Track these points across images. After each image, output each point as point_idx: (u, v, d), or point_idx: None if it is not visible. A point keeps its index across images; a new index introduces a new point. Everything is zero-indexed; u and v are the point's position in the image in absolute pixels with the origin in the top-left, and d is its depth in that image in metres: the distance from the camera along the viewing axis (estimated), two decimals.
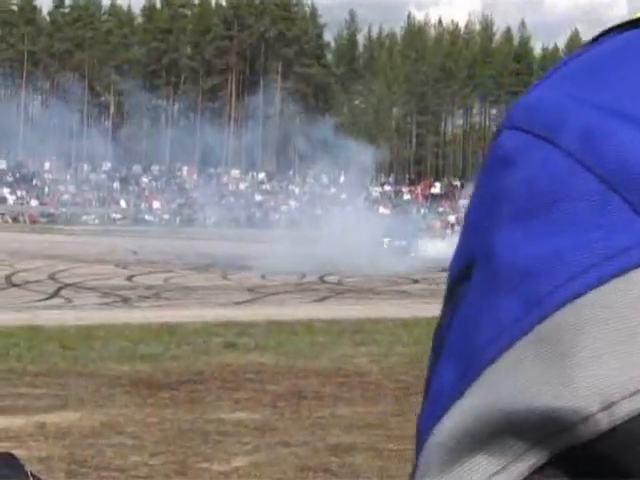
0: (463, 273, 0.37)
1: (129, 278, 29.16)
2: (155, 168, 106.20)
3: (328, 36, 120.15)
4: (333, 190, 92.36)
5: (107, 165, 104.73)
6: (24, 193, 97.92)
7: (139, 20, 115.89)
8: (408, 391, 11.05)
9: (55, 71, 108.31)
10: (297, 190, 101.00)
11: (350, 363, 13.28)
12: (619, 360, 0.31)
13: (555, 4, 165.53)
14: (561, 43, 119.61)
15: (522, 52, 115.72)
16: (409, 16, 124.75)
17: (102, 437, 8.84)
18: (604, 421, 0.31)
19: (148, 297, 23.57)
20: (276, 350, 14.14)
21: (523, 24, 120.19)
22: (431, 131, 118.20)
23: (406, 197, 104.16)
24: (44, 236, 56.82)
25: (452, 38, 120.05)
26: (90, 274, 29.60)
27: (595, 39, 0.39)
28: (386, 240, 43.29)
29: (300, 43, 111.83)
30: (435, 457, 0.35)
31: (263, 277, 30.15)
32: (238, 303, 22.34)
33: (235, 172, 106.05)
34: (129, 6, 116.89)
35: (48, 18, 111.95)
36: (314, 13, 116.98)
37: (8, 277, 27.73)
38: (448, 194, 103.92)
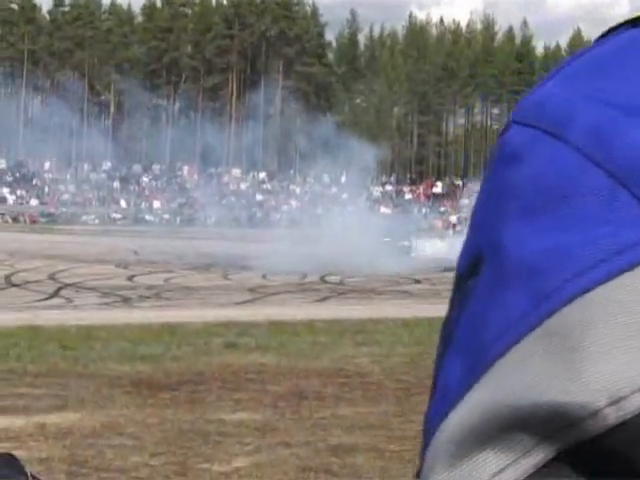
0: (470, 269, 0.37)
1: (129, 278, 29.14)
2: (156, 168, 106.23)
3: (329, 35, 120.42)
4: (334, 190, 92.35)
5: (107, 164, 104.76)
6: (24, 193, 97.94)
7: (139, 19, 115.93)
8: (409, 391, 11.03)
9: (55, 70, 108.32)
10: (298, 190, 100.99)
11: (351, 363, 13.25)
12: (628, 355, 0.31)
13: (557, 3, 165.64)
14: (563, 42, 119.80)
15: (524, 51, 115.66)
16: (410, 15, 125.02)
17: (102, 438, 8.81)
18: (612, 416, 0.31)
19: (149, 297, 23.55)
20: (277, 350, 14.11)
21: (525, 23, 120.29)
22: (433, 130, 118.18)
23: (407, 197, 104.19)
24: (44, 236, 56.82)
25: (454, 37, 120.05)
26: (90, 274, 29.59)
27: (599, 38, 0.39)
28: (388, 240, 43.28)
29: (301, 42, 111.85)
30: (443, 452, 0.35)
31: (264, 277, 30.13)
32: (239, 303, 22.31)
33: (236, 171, 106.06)
34: (129, 5, 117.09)
35: (48, 17, 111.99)
36: (315, 12, 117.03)
37: (8, 277, 27.72)
38: (450, 194, 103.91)
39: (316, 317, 18.31)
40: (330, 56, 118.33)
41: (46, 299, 22.43)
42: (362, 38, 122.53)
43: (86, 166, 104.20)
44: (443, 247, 42.16)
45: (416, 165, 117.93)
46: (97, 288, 25.27)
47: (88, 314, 18.70)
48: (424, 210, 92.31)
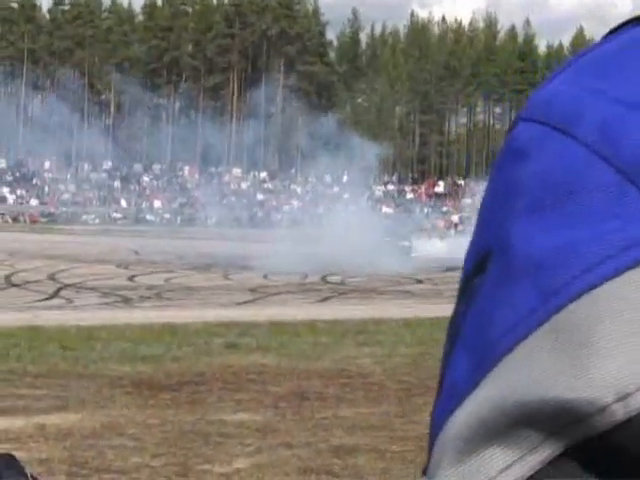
0: (478, 266, 0.37)
1: (130, 278, 29.13)
2: (156, 167, 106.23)
3: (331, 34, 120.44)
4: (336, 189, 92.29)
5: (108, 164, 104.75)
6: (24, 192, 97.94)
7: (140, 18, 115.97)
8: (411, 392, 11.00)
9: (55, 69, 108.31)
10: (299, 189, 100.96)
11: (353, 364, 13.21)
12: (635, 351, 0.31)
13: (560, 2, 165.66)
14: (566, 41, 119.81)
15: (526, 50, 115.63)
16: (412, 14, 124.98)
17: (103, 438, 8.78)
18: (620, 412, 0.31)
19: (149, 297, 23.53)
20: (278, 351, 14.08)
21: (527, 22, 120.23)
22: (435, 130, 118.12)
23: (409, 196, 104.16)
24: (44, 236, 56.82)
25: (456, 36, 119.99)
26: (91, 274, 29.57)
27: (607, 35, 0.39)
28: (389, 239, 43.26)
29: (302, 41, 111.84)
30: (450, 448, 0.35)
31: (265, 277, 30.10)
32: (240, 303, 22.28)
33: (237, 171, 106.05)
34: (129, 3, 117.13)
35: (48, 16, 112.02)
36: (316, 11, 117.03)
37: (8, 277, 27.70)
38: (452, 193, 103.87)
39: (317, 317, 18.27)
40: (331, 55, 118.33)
41: (46, 299, 22.40)
42: (364, 37, 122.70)
43: (86, 165, 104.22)
44: (445, 247, 42.17)
45: (418, 164, 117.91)
46: (97, 288, 25.25)
47: (88, 314, 18.68)
48: (426, 210, 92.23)
